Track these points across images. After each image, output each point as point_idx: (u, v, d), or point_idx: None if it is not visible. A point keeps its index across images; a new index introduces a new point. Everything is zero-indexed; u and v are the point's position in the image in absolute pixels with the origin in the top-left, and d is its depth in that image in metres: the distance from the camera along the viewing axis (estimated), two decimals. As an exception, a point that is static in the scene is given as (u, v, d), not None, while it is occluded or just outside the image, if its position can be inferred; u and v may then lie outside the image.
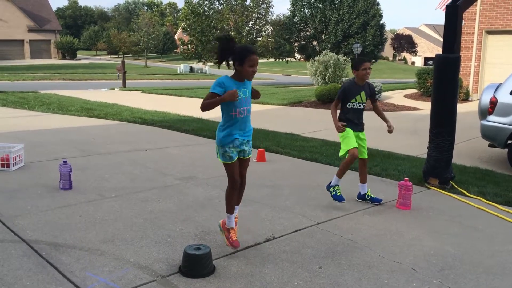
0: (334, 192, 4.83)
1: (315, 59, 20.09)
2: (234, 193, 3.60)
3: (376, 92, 16.61)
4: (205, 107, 3.38)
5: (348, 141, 4.78)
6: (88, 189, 5.21)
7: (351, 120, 4.84)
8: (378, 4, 36.74)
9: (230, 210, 3.64)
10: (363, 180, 5.05)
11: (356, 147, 4.74)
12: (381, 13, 36.85)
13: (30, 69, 38.54)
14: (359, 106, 4.84)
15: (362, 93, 4.84)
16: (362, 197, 5.09)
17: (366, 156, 4.96)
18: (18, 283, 3.04)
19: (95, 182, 5.53)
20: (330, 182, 4.93)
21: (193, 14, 33.51)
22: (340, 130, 4.79)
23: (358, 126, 4.89)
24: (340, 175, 4.86)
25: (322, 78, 19.23)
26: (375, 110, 5.09)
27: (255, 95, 3.66)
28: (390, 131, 4.95)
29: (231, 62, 3.46)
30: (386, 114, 5.33)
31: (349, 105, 4.82)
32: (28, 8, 56.83)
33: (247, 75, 3.42)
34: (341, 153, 4.88)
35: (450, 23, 5.62)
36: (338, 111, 4.96)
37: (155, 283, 3.11)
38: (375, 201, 5.02)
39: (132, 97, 17.88)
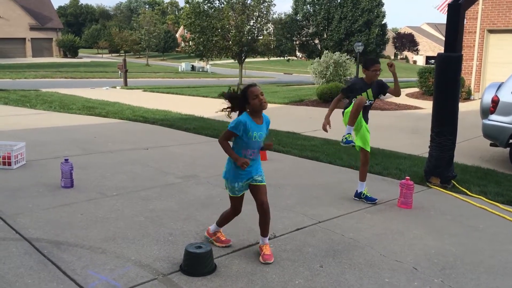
0: (345, 139, 4.78)
1: (315, 60, 20.26)
2: (232, 217, 3.74)
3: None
4: (222, 145, 3.45)
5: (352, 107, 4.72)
6: (89, 187, 5.22)
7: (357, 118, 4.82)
8: (383, 4, 36.68)
9: (221, 225, 3.78)
10: (362, 178, 5.05)
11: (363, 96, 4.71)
12: (384, 13, 36.81)
13: (32, 67, 38.58)
14: (365, 103, 4.81)
15: (369, 91, 4.83)
16: (358, 196, 5.08)
17: (368, 149, 4.94)
18: (19, 281, 3.05)
19: (96, 180, 5.53)
20: (357, 191, 5.01)
21: (194, 13, 33.47)
22: (324, 128, 4.81)
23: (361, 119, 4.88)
24: (351, 123, 4.74)
25: (323, 77, 19.24)
26: (391, 92, 5.03)
27: (267, 146, 3.64)
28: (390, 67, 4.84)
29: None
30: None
31: (355, 100, 4.78)
32: (30, 6, 56.88)
33: (256, 107, 3.41)
34: (345, 122, 4.88)
35: (452, 22, 5.61)
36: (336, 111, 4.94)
37: (156, 281, 3.11)
38: (370, 201, 4.99)
39: (133, 95, 17.88)
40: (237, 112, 3.50)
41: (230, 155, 3.43)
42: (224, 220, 3.75)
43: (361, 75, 4.98)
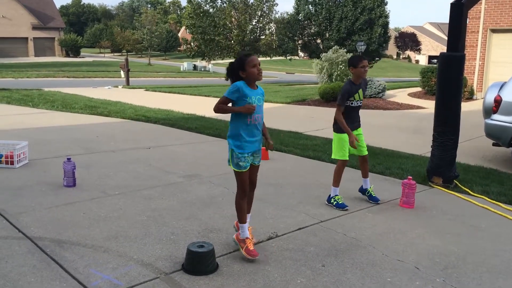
0: (335, 202, 4.77)
1: (321, 56, 19.12)
2: (244, 202, 3.59)
3: (380, 91, 16.66)
4: (218, 110, 3.42)
5: (342, 149, 4.76)
6: (91, 186, 5.23)
7: (350, 119, 4.77)
8: (386, 3, 36.59)
9: (242, 219, 3.57)
10: (365, 175, 5.04)
11: (347, 160, 4.79)
12: (388, 13, 36.75)
13: (34, 67, 38.65)
14: (357, 104, 4.80)
15: (360, 91, 4.79)
16: (363, 191, 5.08)
17: (366, 153, 4.93)
18: (22, 280, 3.06)
19: (98, 179, 5.54)
20: (329, 196, 4.88)
21: (195, 13, 33.49)
22: (353, 145, 4.66)
23: (354, 123, 4.83)
24: (336, 184, 4.81)
25: (328, 76, 18.23)
26: None
27: (269, 146, 3.70)
28: None
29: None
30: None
31: (347, 103, 4.75)
32: (32, 6, 56.98)
33: (253, 76, 3.41)
34: (333, 156, 4.89)
35: (454, 22, 5.60)
36: None
37: (158, 280, 3.12)
38: (373, 200, 4.98)
39: (135, 95, 17.90)
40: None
41: (232, 110, 3.41)
42: (240, 213, 3.56)
43: None
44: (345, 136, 4.72)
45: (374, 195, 5.01)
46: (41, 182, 5.35)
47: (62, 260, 3.35)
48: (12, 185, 5.18)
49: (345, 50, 19.44)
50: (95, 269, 3.23)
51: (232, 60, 3.64)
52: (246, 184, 3.55)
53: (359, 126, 4.92)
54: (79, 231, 3.91)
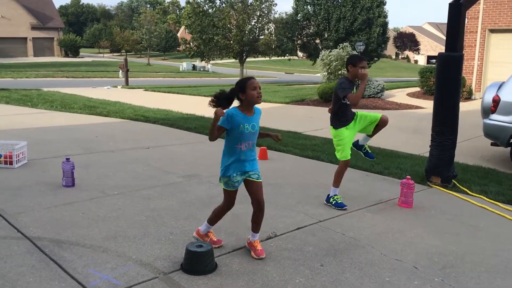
0: (334, 202, 4.78)
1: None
2: (224, 213, 3.68)
3: (379, 91, 16.67)
4: (209, 136, 3.44)
5: (344, 149, 4.75)
6: (90, 186, 5.23)
7: (348, 115, 4.76)
8: (385, 3, 36.59)
9: (213, 222, 3.69)
10: (372, 134, 4.95)
11: (349, 159, 4.76)
12: (386, 13, 36.76)
13: (33, 67, 38.63)
14: (346, 102, 4.74)
15: (355, 89, 4.77)
16: (359, 148, 5.08)
17: (378, 115, 4.81)
18: (21, 280, 3.06)
19: (97, 179, 5.54)
20: (329, 195, 4.88)
21: (194, 13, 33.49)
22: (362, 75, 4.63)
23: (352, 117, 4.80)
24: (336, 184, 4.81)
25: (333, 73, 17.40)
26: None
27: (275, 137, 3.68)
28: None
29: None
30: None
31: (344, 101, 4.71)
32: (31, 6, 56.95)
33: (253, 98, 3.39)
34: (338, 157, 4.85)
35: (453, 22, 5.61)
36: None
37: (157, 280, 3.13)
38: (369, 157, 5.06)
39: (134, 95, 17.90)
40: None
41: (212, 126, 3.35)
42: (216, 216, 3.66)
43: None
44: (344, 130, 4.71)
45: (370, 152, 5.05)
46: (40, 182, 5.35)
47: (61, 260, 3.35)
48: (11, 185, 5.18)
49: (351, 48, 18.80)
50: (94, 269, 3.23)
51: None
52: (231, 203, 3.59)
53: (354, 114, 4.84)
54: (78, 231, 3.91)
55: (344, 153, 4.75)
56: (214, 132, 3.38)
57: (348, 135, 4.75)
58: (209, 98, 3.53)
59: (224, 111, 3.34)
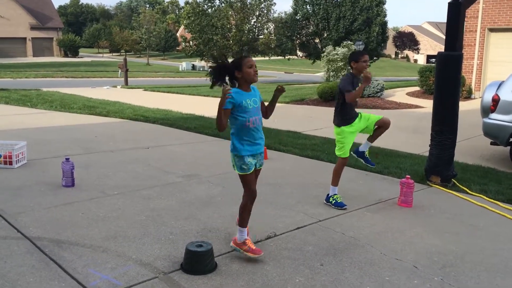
0: (334, 201, 4.77)
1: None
2: (251, 206, 3.55)
3: (378, 90, 16.66)
4: (217, 125, 3.34)
5: (344, 147, 4.74)
6: (90, 186, 5.23)
7: (350, 113, 4.76)
8: (384, 2, 36.58)
9: (243, 223, 3.54)
10: (371, 139, 4.94)
11: (347, 157, 4.76)
12: (385, 12, 36.75)
13: (33, 67, 38.59)
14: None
15: (360, 85, 4.72)
16: (360, 155, 5.06)
17: (380, 117, 4.80)
18: (21, 280, 3.06)
19: (97, 179, 5.54)
20: (328, 194, 4.88)
21: (194, 13, 33.49)
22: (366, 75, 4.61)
23: (354, 115, 4.80)
24: (334, 183, 4.81)
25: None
26: None
27: (268, 111, 3.67)
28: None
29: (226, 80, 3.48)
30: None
31: (340, 153, 4.74)
32: (31, 6, 56.90)
33: (249, 76, 3.40)
34: (337, 153, 4.85)
35: (452, 21, 5.61)
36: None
37: (157, 280, 3.13)
38: (369, 163, 5.06)
39: (134, 95, 17.89)
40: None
41: (218, 112, 3.28)
42: (243, 215, 3.52)
43: None
44: (346, 128, 4.71)
45: (370, 159, 5.06)
46: (40, 182, 5.35)
47: (61, 260, 3.35)
48: (11, 185, 5.18)
49: (355, 47, 18.59)
50: (94, 269, 3.23)
51: (231, 59, 3.60)
52: (252, 190, 3.48)
53: (357, 114, 4.85)
54: (77, 231, 3.92)
55: (343, 150, 4.76)
56: (222, 118, 3.31)
57: (350, 134, 4.75)
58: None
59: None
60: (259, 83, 3.60)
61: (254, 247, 3.48)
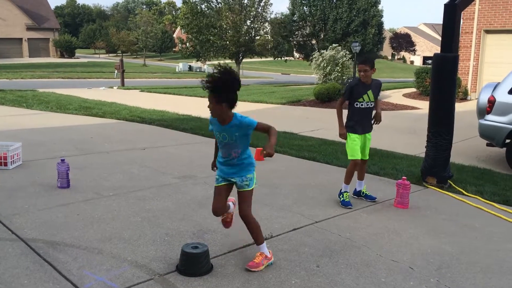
0: (342, 199, 4.85)
1: (321, 52, 18.15)
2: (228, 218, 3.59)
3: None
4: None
5: (352, 149, 4.82)
6: (86, 187, 5.21)
7: (360, 120, 4.80)
8: (379, 3, 36.69)
9: (260, 240, 3.40)
10: (360, 177, 5.10)
11: (359, 158, 4.82)
12: (381, 13, 36.87)
13: (29, 68, 38.47)
14: (368, 105, 4.77)
15: (370, 92, 4.75)
16: (357, 194, 5.12)
17: (366, 157, 4.99)
18: (15, 282, 3.04)
19: (93, 180, 5.52)
20: (341, 190, 4.96)
21: (191, 13, 33.47)
22: (343, 137, 4.82)
23: (366, 127, 4.87)
24: (347, 181, 4.89)
25: (325, 76, 17.33)
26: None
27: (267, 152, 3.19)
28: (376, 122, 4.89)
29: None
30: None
31: (357, 105, 4.75)
32: (27, 6, 56.75)
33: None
34: (349, 157, 4.92)
35: (448, 22, 5.62)
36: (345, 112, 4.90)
37: (153, 281, 3.11)
38: (370, 199, 5.05)
39: (130, 96, 17.86)
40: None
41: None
42: (254, 233, 3.34)
43: (358, 75, 4.90)
44: (353, 135, 4.80)
45: (369, 194, 5.08)
46: (35, 183, 5.32)
47: (56, 261, 3.33)
48: (6, 187, 5.15)
49: (346, 50, 18.66)
50: (89, 271, 3.21)
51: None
52: (214, 201, 3.36)
53: (370, 130, 4.93)
54: (73, 232, 3.89)
55: (351, 153, 4.83)
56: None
57: (354, 141, 4.82)
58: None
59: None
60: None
61: (270, 255, 3.40)
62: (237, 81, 3.04)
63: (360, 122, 4.83)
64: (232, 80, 3.02)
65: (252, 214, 3.33)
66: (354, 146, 4.82)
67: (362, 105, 4.76)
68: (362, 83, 4.73)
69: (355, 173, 4.95)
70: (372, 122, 4.87)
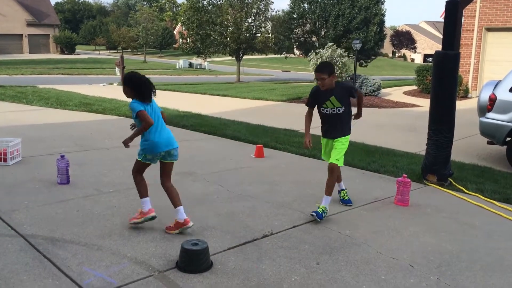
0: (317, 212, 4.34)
1: (317, 51, 18.14)
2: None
3: (375, 89, 16.66)
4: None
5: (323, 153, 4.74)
6: (85, 184, 5.20)
7: (325, 125, 4.58)
8: (383, 2, 36.61)
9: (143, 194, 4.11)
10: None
11: (326, 161, 4.57)
12: (384, 12, 36.79)
13: (29, 64, 38.43)
14: (333, 111, 4.45)
15: (333, 98, 4.40)
16: (338, 193, 4.90)
17: (332, 161, 4.39)
18: (14, 278, 3.03)
19: (92, 177, 5.51)
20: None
21: (192, 9, 33.39)
22: (306, 146, 4.58)
23: (331, 132, 4.54)
24: (329, 192, 4.39)
25: None
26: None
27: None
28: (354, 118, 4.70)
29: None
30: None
31: (323, 110, 4.51)
32: (27, 2, 56.65)
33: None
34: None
35: (449, 20, 5.60)
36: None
37: (152, 278, 3.11)
38: (345, 202, 4.81)
39: (130, 92, 17.79)
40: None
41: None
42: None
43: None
44: (323, 140, 4.70)
45: (345, 199, 4.83)
46: (35, 179, 5.31)
47: (55, 258, 3.33)
48: (5, 182, 5.14)
49: (342, 49, 18.68)
50: (89, 267, 3.21)
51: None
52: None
53: (336, 136, 4.49)
54: (72, 228, 3.89)
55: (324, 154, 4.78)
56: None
57: (323, 146, 4.73)
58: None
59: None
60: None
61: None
62: (137, 81, 4.16)
63: (324, 128, 4.58)
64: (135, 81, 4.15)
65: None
66: (323, 150, 4.74)
67: (327, 111, 4.47)
68: (319, 90, 4.45)
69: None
70: (352, 117, 4.65)
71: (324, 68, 4.41)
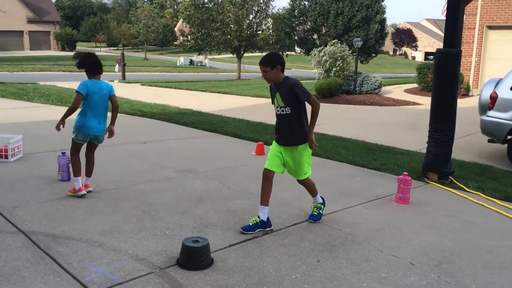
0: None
1: (319, 49, 18.07)
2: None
3: (376, 87, 16.64)
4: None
5: (268, 156, 4.04)
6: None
7: (278, 128, 4.02)
8: (383, 0, 36.56)
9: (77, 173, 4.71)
10: (311, 194, 4.29)
11: (267, 169, 3.97)
12: (384, 9, 36.73)
13: (30, 61, 38.39)
14: (280, 111, 3.89)
15: (278, 96, 3.89)
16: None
17: (301, 178, 4.12)
18: (16, 274, 3.04)
19: (93, 174, 5.50)
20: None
21: (193, 6, 33.35)
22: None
23: (283, 138, 3.97)
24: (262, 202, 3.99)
25: (325, 71, 17.28)
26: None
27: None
28: None
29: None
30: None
31: (275, 109, 3.98)
32: (28, -1, 56.60)
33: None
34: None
35: (451, 18, 5.59)
36: None
37: (153, 275, 3.11)
38: (310, 218, 4.25)
39: (131, 89, 17.84)
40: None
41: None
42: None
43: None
44: (272, 145, 4.06)
45: (313, 214, 4.26)
46: (36, 176, 5.32)
47: (56, 254, 3.33)
48: (6, 179, 5.15)
49: (344, 45, 18.65)
50: (90, 264, 3.21)
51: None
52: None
53: (288, 143, 3.94)
54: (73, 225, 3.89)
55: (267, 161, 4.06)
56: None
57: (271, 149, 4.06)
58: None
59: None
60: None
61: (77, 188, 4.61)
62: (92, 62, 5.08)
63: (279, 130, 4.00)
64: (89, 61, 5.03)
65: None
66: (269, 155, 4.05)
67: (278, 110, 3.92)
68: (271, 86, 4.00)
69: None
70: None
71: (266, 59, 3.84)
